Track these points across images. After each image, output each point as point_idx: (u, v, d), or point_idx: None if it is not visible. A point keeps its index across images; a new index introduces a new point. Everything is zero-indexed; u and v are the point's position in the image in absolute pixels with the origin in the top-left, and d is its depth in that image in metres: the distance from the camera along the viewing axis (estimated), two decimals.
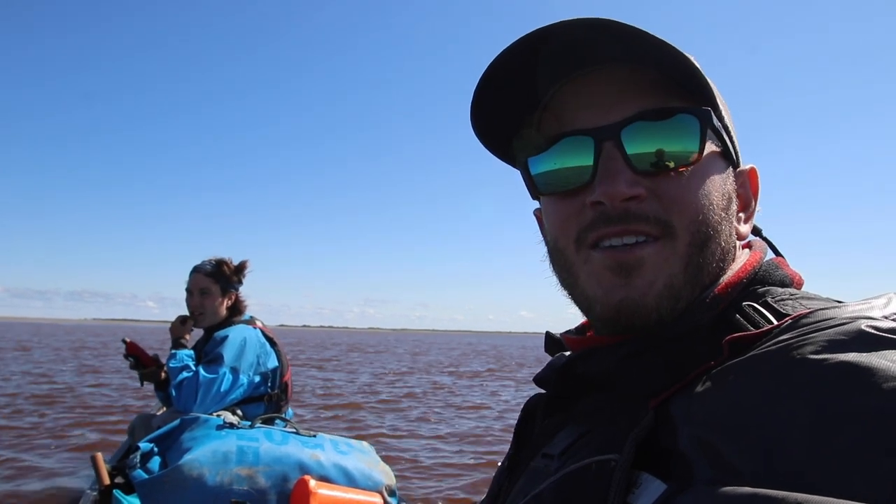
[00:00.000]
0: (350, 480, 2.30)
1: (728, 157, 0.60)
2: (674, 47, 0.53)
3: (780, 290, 0.56)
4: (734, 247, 0.60)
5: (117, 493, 2.66)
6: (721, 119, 0.58)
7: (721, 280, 0.57)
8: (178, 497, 2.05)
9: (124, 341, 3.46)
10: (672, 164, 0.54)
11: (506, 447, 0.71)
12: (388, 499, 2.37)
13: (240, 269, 3.40)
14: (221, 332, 3.17)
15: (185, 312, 3.34)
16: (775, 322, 0.50)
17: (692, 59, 0.55)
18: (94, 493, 2.96)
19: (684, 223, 0.54)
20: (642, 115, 0.54)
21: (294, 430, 2.45)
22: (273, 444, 2.25)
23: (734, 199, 0.60)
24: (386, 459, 2.64)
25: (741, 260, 0.60)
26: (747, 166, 0.64)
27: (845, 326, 0.43)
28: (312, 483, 2.15)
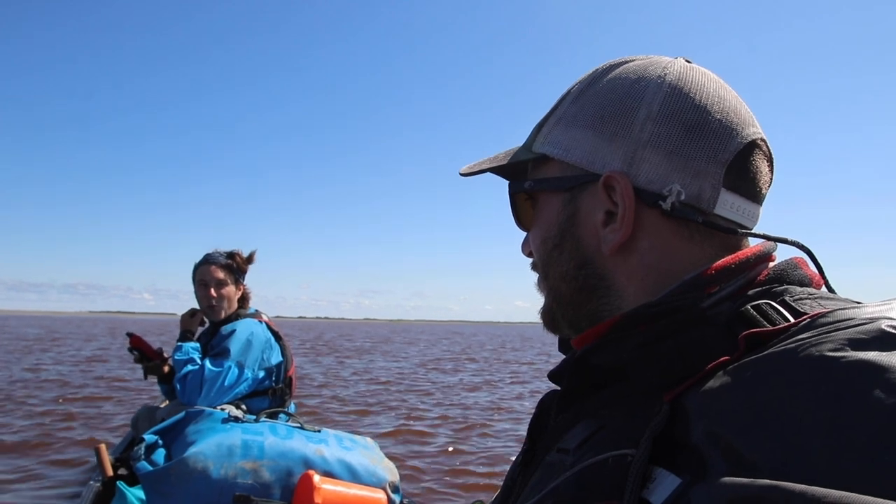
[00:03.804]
0: (354, 476, 2.31)
1: (567, 186, 0.63)
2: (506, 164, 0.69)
3: (798, 289, 0.56)
4: (608, 258, 0.61)
5: (121, 484, 2.67)
6: (530, 175, 0.69)
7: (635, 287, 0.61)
8: (183, 489, 2.05)
9: (129, 335, 3.47)
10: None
11: (515, 445, 0.72)
12: (392, 495, 2.37)
13: (249, 259, 3.40)
14: (228, 326, 3.17)
15: (183, 305, 3.32)
16: (792, 320, 0.50)
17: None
18: (98, 485, 2.97)
19: (538, 261, 0.69)
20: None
21: (298, 425, 2.45)
22: (278, 439, 2.26)
23: (580, 220, 0.63)
24: (389, 456, 2.65)
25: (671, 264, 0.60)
26: (603, 174, 0.61)
27: (865, 326, 0.43)
28: (316, 478, 2.15)
